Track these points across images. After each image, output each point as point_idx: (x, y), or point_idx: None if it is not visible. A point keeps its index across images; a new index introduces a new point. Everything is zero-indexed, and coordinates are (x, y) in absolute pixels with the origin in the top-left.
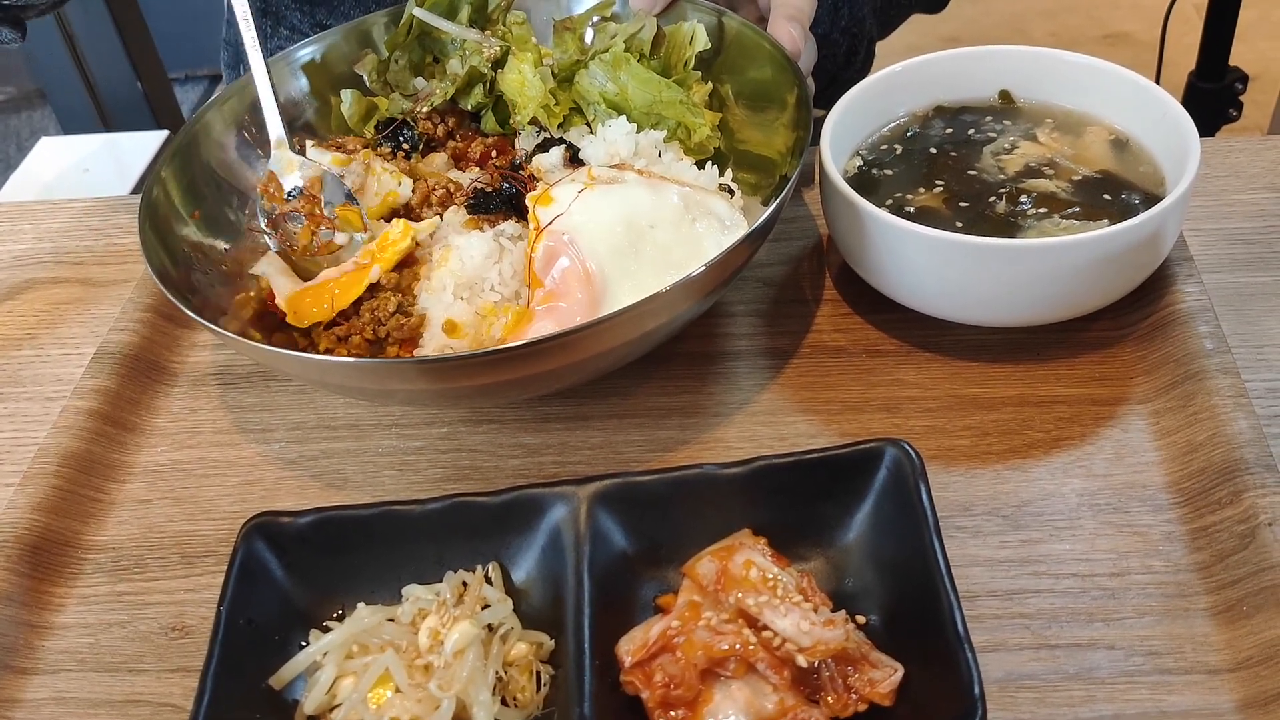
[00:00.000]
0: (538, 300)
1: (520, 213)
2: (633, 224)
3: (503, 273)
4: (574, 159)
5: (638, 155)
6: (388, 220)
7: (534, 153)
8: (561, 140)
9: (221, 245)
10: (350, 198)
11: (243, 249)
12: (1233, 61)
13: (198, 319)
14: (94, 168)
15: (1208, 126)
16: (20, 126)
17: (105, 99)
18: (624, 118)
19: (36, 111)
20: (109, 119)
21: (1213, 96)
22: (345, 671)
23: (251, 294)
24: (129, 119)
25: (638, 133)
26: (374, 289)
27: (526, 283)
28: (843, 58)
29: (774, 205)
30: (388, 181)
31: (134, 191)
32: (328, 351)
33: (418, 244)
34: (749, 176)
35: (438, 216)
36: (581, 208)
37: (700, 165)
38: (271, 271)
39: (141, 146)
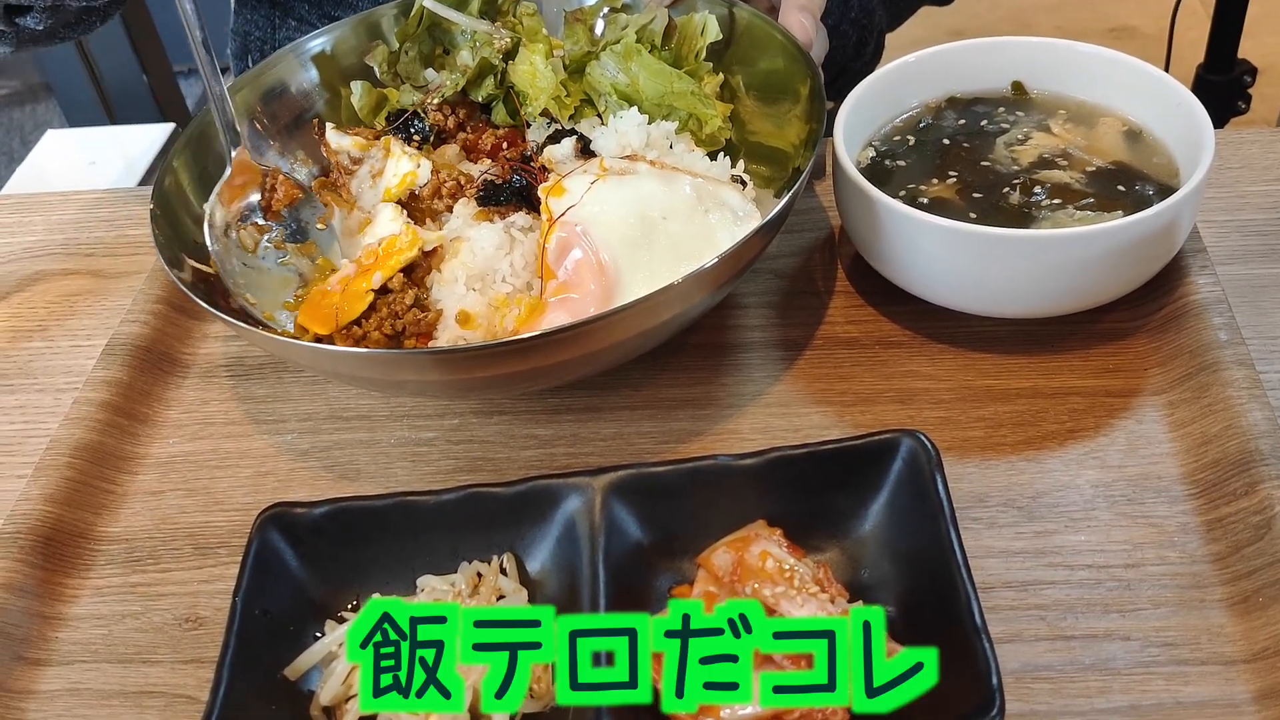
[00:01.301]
0: (551, 292)
1: (531, 204)
2: (645, 215)
3: (514, 264)
4: (585, 150)
5: (649, 146)
6: (402, 204)
7: (545, 144)
8: (573, 131)
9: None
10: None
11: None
12: (1240, 55)
13: (211, 310)
14: (100, 160)
15: (1216, 119)
16: (25, 120)
17: (110, 92)
18: (635, 109)
19: (41, 104)
20: (114, 112)
21: (1221, 89)
22: None
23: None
24: (134, 112)
25: (649, 124)
26: (382, 289)
27: (539, 274)
28: (852, 49)
29: (788, 196)
30: (406, 164)
31: (140, 184)
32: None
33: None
34: (760, 168)
35: (441, 226)
36: (594, 199)
37: (712, 157)
38: None
39: (147, 139)
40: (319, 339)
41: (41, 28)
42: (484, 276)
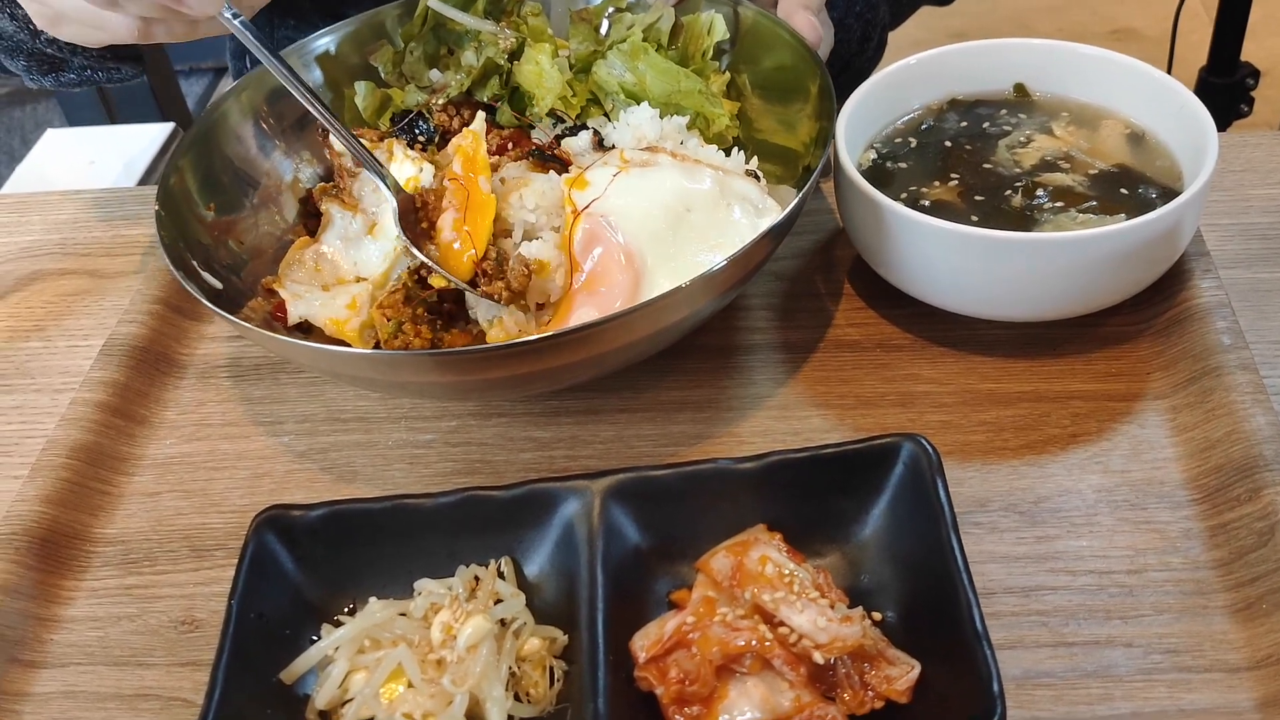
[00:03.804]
0: (578, 284)
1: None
2: (669, 206)
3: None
4: (601, 145)
5: (663, 139)
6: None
7: (562, 136)
8: (585, 126)
9: (237, 235)
10: None
11: (258, 239)
12: (1243, 57)
13: (216, 310)
14: (99, 160)
15: (1219, 122)
16: (25, 119)
17: (110, 91)
18: (645, 104)
19: (41, 104)
20: (114, 111)
21: (1224, 92)
22: (357, 666)
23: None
24: (134, 111)
25: (661, 118)
26: None
27: (566, 268)
28: (856, 44)
29: (800, 195)
30: (409, 168)
31: (140, 183)
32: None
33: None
34: (769, 167)
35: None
36: (618, 190)
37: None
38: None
39: (147, 138)
40: (326, 340)
41: (76, 76)
42: (549, 211)
